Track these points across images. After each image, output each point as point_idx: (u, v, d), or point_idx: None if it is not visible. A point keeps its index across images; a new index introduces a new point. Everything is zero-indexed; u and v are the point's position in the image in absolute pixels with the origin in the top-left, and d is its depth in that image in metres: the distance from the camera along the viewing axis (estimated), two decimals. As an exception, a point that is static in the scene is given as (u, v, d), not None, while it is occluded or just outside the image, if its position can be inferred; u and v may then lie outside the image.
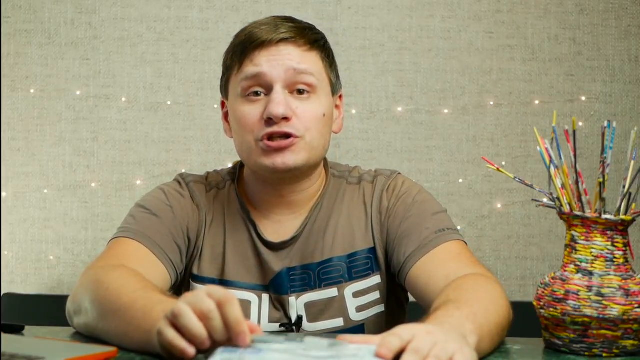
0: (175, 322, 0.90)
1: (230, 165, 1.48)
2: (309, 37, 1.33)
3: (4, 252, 2.42)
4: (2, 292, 2.32)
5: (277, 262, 1.35)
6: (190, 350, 0.89)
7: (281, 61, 1.29)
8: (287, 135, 1.28)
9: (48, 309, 2.18)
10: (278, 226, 1.37)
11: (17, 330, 1.15)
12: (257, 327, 0.91)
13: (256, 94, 1.30)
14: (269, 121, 1.28)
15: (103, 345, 1.00)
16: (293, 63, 1.30)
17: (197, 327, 0.88)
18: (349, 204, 1.39)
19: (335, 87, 1.38)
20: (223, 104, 1.41)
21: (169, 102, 2.44)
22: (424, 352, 0.83)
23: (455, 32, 2.45)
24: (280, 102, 1.28)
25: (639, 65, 2.46)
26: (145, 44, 2.44)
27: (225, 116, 1.40)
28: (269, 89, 1.30)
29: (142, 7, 2.44)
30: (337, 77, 1.40)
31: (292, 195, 1.37)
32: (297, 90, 1.31)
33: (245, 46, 1.31)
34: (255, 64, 1.30)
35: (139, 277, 1.13)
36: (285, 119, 1.28)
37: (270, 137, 1.29)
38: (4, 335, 1.01)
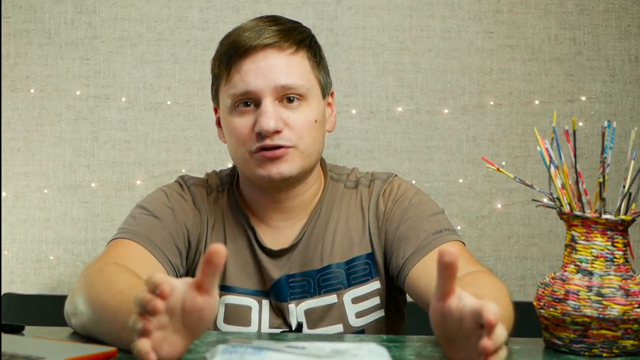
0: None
1: (230, 165, 1.47)
2: (294, 38, 1.31)
3: (4, 252, 2.42)
4: (2, 292, 2.32)
5: (276, 270, 1.34)
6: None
7: (268, 74, 1.27)
8: (279, 147, 1.27)
9: (48, 309, 2.17)
10: (277, 232, 1.36)
11: (17, 330, 1.14)
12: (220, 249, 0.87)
13: (246, 104, 1.29)
14: (260, 134, 1.27)
15: (103, 345, 1.00)
16: (280, 78, 1.27)
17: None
18: (347, 210, 1.38)
19: (325, 89, 1.36)
20: (216, 110, 1.40)
21: (169, 102, 2.44)
22: None
23: (455, 32, 2.45)
24: (271, 116, 1.26)
25: (639, 65, 2.46)
26: (145, 44, 2.44)
27: (218, 122, 1.39)
28: (257, 102, 1.29)
29: (142, 7, 2.44)
30: (327, 75, 1.37)
31: (288, 201, 1.36)
32: (287, 99, 1.29)
33: (230, 55, 1.30)
34: (242, 76, 1.28)
35: (126, 275, 1.11)
36: (277, 132, 1.27)
37: (263, 149, 1.28)
38: (4, 335, 1.01)
